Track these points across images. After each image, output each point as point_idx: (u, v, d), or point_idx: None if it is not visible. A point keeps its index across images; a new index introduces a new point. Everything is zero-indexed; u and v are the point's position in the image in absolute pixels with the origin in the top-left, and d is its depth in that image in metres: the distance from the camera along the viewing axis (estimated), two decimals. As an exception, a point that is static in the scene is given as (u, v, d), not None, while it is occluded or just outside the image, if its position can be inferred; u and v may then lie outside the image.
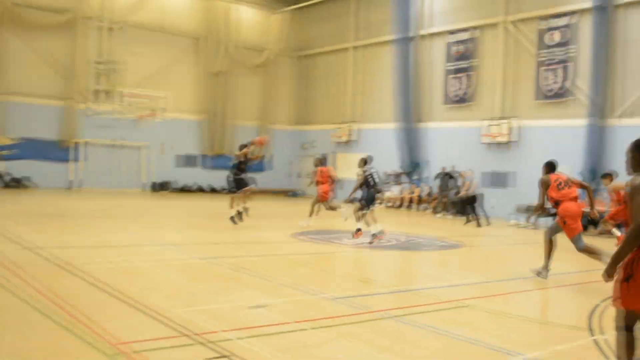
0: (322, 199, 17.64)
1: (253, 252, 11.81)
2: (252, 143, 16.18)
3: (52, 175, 27.49)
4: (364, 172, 13.97)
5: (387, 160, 28.99)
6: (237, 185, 15.86)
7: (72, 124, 27.93)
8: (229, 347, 5.48)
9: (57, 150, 27.76)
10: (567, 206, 9.51)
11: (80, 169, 28.09)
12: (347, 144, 31.69)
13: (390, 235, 15.33)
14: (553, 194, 9.63)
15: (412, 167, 27.80)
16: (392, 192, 27.88)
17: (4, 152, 26.27)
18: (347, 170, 31.72)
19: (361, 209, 13.92)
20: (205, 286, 8.23)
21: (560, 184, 9.64)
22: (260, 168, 33.44)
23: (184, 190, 30.82)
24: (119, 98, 28.03)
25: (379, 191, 14.25)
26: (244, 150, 15.95)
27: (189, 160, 31.34)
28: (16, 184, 26.22)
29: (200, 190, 31.59)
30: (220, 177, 32.34)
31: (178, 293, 7.75)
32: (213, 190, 31.79)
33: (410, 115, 27.90)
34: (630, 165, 4.60)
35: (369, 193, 13.94)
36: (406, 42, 28.04)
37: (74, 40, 27.94)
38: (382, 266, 11.63)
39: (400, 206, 27.17)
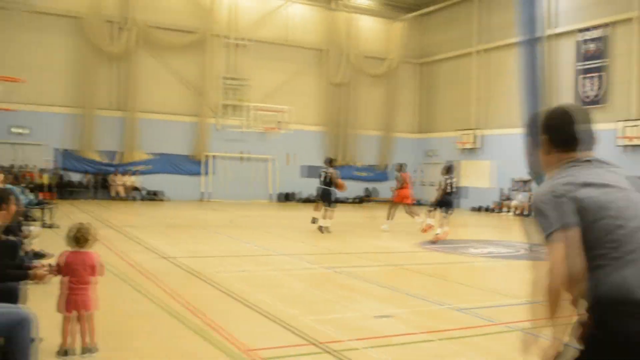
0: (405, 202, 18.60)
1: (377, 262, 11.78)
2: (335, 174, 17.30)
3: (184, 188, 28.87)
4: (445, 180, 15.28)
5: (514, 166, 28.00)
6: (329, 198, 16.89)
7: (202, 139, 29.24)
8: (355, 356, 5.47)
9: (189, 164, 29.15)
10: None
11: (210, 181, 29.31)
12: (471, 151, 30.96)
13: (519, 245, 14.76)
14: None
15: (542, 173, 26.65)
16: (519, 199, 26.89)
17: (141, 167, 27.93)
18: (471, 178, 31.02)
19: (434, 208, 15.50)
20: (331, 295, 8.29)
21: None
22: (382, 178, 33.42)
23: (309, 200, 31.34)
24: (246, 112, 29.05)
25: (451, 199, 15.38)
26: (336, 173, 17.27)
27: (313, 171, 31.82)
28: (153, 197, 27.76)
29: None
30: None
31: (304, 302, 7.85)
32: (337, 201, 32.02)
33: (538, 119, 26.77)
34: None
35: (445, 198, 15.19)
36: (532, 44, 26.90)
37: (203, 58, 29.27)
38: (510, 276, 11.21)
39: (529, 214, 26.15)
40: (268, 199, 30.41)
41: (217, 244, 13.87)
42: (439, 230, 14.82)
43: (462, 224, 21.35)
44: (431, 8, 32.87)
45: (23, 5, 9.70)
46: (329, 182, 16.91)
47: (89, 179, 26.88)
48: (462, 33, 31.86)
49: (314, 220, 16.71)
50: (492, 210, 28.72)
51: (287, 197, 30.90)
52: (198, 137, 29.20)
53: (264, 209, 25.97)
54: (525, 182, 27.33)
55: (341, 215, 23.50)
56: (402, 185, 18.52)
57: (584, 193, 2.53)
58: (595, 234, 2.47)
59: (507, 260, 12.59)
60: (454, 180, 15.46)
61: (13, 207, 5.51)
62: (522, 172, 27.24)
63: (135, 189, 27.40)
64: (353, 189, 33.02)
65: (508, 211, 27.37)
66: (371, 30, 33.75)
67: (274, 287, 8.77)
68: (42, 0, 25.17)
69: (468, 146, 30.94)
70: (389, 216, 18.07)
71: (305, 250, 13.18)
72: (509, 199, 28.10)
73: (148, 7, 28.12)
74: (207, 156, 29.28)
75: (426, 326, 6.72)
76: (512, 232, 19.24)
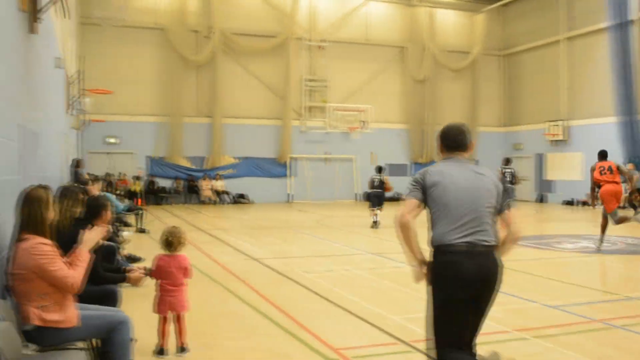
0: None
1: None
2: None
3: (270, 191, 29.32)
4: (502, 169, 16.77)
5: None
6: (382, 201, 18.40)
7: (286, 141, 29.63)
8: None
9: (274, 166, 29.60)
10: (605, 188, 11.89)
11: (295, 183, 29.63)
12: (560, 143, 29.89)
13: (615, 239, 14.14)
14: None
15: (636, 163, 25.38)
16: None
17: (228, 171, 28.60)
18: (560, 171, 29.92)
19: None
20: (419, 294, 8.20)
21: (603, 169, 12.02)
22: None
23: (394, 199, 31.14)
24: (329, 113, 29.23)
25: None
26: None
27: (398, 169, 31.62)
28: (240, 200, 28.35)
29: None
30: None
31: (393, 301, 7.82)
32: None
33: (633, 107, 25.60)
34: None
35: None
36: (624, 28, 25.81)
37: (285, 61, 29.65)
38: (605, 272, 10.76)
39: (624, 206, 24.86)
40: (353, 198, 30.43)
41: (304, 244, 14.02)
42: None
43: (554, 219, 20.69)
44: (514, -3, 32.04)
45: (114, 21, 10.15)
46: (381, 186, 18.41)
47: (179, 185, 27.74)
48: (548, 21, 30.79)
49: (375, 225, 17.85)
50: (585, 204, 27.62)
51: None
52: (282, 139, 29.60)
53: (349, 208, 26.02)
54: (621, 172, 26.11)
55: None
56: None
57: (429, 177, 4.08)
58: (431, 201, 4.06)
59: (602, 255, 12.08)
60: (513, 170, 17.53)
61: (110, 214, 5.78)
62: (616, 162, 26.14)
63: (224, 192, 28.07)
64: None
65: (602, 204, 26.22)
66: (452, 24, 33.22)
67: (361, 286, 8.78)
68: (131, 15, 26.21)
69: (557, 138, 29.87)
70: None
71: (391, 248, 13.10)
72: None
73: (230, 15, 28.79)
74: (292, 158, 29.64)
75: (517, 324, 6.55)
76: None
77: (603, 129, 26.99)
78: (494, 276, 4.10)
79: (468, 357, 4.18)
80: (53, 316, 3.99)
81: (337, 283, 8.91)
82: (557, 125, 29.85)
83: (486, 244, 3.96)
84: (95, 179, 16.27)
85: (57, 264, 4.01)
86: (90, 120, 23.99)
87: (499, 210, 4.06)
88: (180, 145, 27.92)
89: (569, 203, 28.82)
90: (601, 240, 12.43)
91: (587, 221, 20.87)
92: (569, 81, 29.69)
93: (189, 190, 27.83)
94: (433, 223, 4.09)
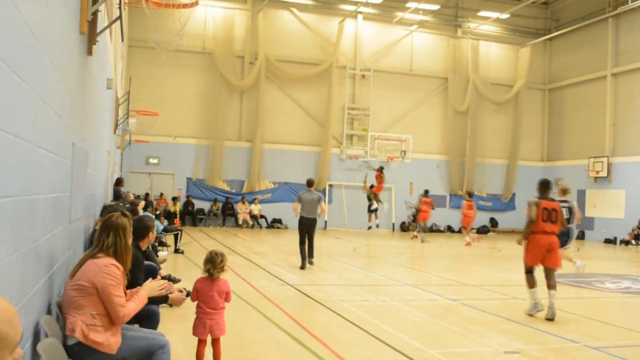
0: (422, 220, 24.61)
1: (503, 294, 11.38)
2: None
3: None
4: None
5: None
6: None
7: (325, 168, 29.73)
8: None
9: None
10: None
11: (332, 210, 29.60)
12: (603, 180, 29.33)
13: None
14: None
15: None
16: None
17: (266, 196, 28.77)
18: (602, 208, 29.31)
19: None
20: (457, 328, 8.11)
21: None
22: (504, 207, 32.45)
23: (431, 230, 30.91)
24: (370, 141, 29.29)
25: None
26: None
27: (436, 200, 31.39)
28: (277, 224, 28.43)
29: (450, 229, 31.41)
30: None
31: (431, 334, 7.74)
32: (461, 231, 31.43)
33: None
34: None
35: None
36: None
37: (327, 89, 29.89)
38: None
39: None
40: (390, 228, 30.28)
41: (340, 272, 13.97)
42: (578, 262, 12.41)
43: (595, 257, 20.27)
44: (559, 32, 31.85)
45: (170, 45, 10.37)
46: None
47: (216, 207, 27.98)
48: (594, 56, 30.49)
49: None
50: (627, 243, 27.02)
51: (402, 227, 30.62)
52: (320, 166, 29.71)
53: (386, 238, 25.88)
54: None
55: (462, 244, 22.99)
56: (423, 208, 24.01)
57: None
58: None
59: (646, 296, 11.78)
60: (566, 205, 13.11)
61: (153, 235, 5.88)
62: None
63: (261, 216, 28.22)
64: (477, 218, 32.25)
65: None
66: (496, 56, 33.13)
67: (398, 317, 8.70)
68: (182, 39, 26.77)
69: (600, 174, 29.33)
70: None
71: (428, 280, 12.99)
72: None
73: (277, 42, 29.28)
74: (330, 185, 29.71)
75: (559, 364, 6.42)
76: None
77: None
78: None
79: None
80: (96, 337, 4.06)
81: (373, 313, 8.85)
82: (600, 161, 29.36)
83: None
84: (138, 198, 16.54)
85: (120, 291, 4.13)
86: (133, 140, 24.48)
87: None
88: (219, 168, 28.25)
89: (610, 241, 28.21)
90: None
91: (630, 261, 20.40)
92: (614, 117, 29.25)
93: (225, 213, 28.05)
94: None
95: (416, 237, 25.21)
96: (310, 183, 14.78)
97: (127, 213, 4.56)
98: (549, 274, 9.36)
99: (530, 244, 9.50)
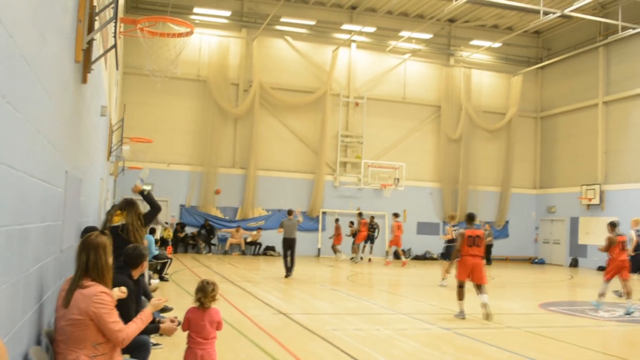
0: (359, 241, 26.39)
1: (496, 324, 11.33)
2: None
3: (300, 244, 29.07)
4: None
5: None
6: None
7: (319, 195, 29.72)
8: None
9: (305, 220, 29.59)
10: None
11: (326, 237, 29.47)
12: (595, 207, 29.43)
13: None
14: None
15: None
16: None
17: (259, 223, 28.67)
18: (595, 236, 29.35)
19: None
20: (450, 358, 8.06)
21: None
22: (497, 235, 32.47)
23: (424, 257, 30.84)
24: (363, 169, 29.34)
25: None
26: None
27: (429, 228, 31.44)
28: (270, 252, 28.28)
29: (444, 257, 31.31)
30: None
31: (423, 363, 7.68)
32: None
33: None
34: None
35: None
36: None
37: (321, 116, 30.00)
38: (646, 343, 10.44)
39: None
40: (384, 256, 30.20)
41: (333, 300, 13.90)
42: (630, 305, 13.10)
43: (588, 284, 20.22)
44: (551, 60, 32.18)
45: (165, 73, 10.43)
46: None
47: (209, 234, 27.83)
48: (585, 85, 30.79)
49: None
50: (621, 271, 26.96)
51: (396, 255, 30.50)
52: (314, 193, 29.71)
53: (379, 266, 25.79)
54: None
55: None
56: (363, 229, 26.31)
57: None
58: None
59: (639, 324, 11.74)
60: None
61: (146, 264, 5.85)
62: None
63: (255, 244, 28.12)
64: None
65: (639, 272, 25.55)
66: (489, 84, 33.42)
67: (391, 347, 8.65)
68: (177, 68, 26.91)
69: (592, 202, 29.43)
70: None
71: (421, 309, 12.94)
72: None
73: (271, 70, 29.49)
74: (324, 212, 29.68)
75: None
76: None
77: (639, 194, 26.62)
78: None
79: None
80: None
81: (367, 343, 8.79)
82: (592, 189, 29.49)
83: None
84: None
85: (115, 317, 4.11)
86: (127, 167, 24.45)
87: None
88: (213, 195, 28.20)
89: (603, 269, 28.13)
90: None
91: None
92: (605, 145, 29.45)
93: (219, 240, 27.91)
94: None
95: (389, 262, 26.47)
96: (290, 212, 19.33)
97: (106, 232, 4.52)
98: (478, 287, 11.63)
99: (460, 264, 11.81)
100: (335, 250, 27.79)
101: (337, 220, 28.14)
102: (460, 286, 11.65)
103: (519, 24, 31.17)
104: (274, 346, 8.28)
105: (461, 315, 11.44)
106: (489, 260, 27.82)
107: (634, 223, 15.98)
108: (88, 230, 7.59)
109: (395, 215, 26.17)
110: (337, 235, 27.72)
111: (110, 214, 7.83)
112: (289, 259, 18.52)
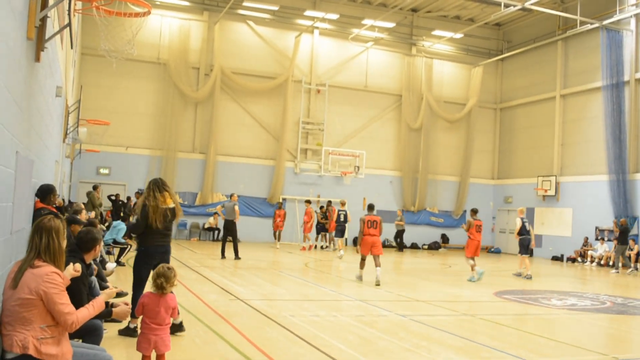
0: (307, 231, 26.42)
1: (452, 311, 11.49)
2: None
3: (259, 230, 29.21)
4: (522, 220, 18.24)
5: (595, 214, 27.10)
6: None
7: (279, 182, 29.66)
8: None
9: (265, 206, 29.57)
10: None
11: (285, 224, 29.36)
12: (550, 198, 30.05)
13: (604, 298, 14.12)
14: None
15: (630, 222, 25.48)
16: (604, 249, 25.79)
17: (218, 209, 28.44)
18: (550, 226, 30.01)
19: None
20: (406, 344, 8.13)
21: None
22: (455, 224, 32.88)
23: (385, 245, 31.00)
24: (324, 156, 29.34)
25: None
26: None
27: (389, 216, 31.61)
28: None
29: (414, 246, 31.80)
30: (421, 233, 32.19)
31: (380, 349, 7.74)
32: (413, 246, 31.76)
33: (624, 166, 25.88)
34: None
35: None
36: (618, 88, 26.28)
37: (282, 103, 29.90)
38: (593, 330, 10.70)
39: (613, 265, 24.87)
40: (343, 243, 30.26)
41: (291, 287, 13.91)
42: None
43: (542, 274, 20.64)
44: (511, 53, 32.62)
45: (121, 54, 10.16)
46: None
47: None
48: (544, 78, 31.31)
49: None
50: (574, 260, 27.66)
51: (355, 242, 30.64)
52: (274, 180, 29.63)
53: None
54: (611, 230, 26.22)
55: (416, 261, 23.17)
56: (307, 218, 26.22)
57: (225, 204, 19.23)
58: None
59: (590, 313, 12.04)
60: (526, 221, 18.59)
61: (99, 249, 5.74)
62: (606, 220, 26.32)
63: (215, 229, 27.95)
64: (429, 234, 32.56)
65: (591, 262, 26.25)
66: (450, 75, 33.71)
67: (348, 333, 8.69)
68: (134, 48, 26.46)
69: (548, 193, 30.02)
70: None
71: (378, 296, 13.03)
72: (589, 247, 27.05)
73: (233, 54, 29.24)
74: (284, 199, 29.62)
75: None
76: (595, 284, 18.47)
77: (594, 186, 27.28)
78: None
79: None
80: (50, 350, 3.95)
81: (324, 329, 8.82)
82: (548, 180, 30.08)
83: None
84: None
85: (65, 298, 4.03)
86: (84, 150, 23.99)
87: None
88: (172, 180, 27.83)
89: (558, 259, 28.84)
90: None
91: (576, 278, 20.87)
92: (562, 137, 30.03)
93: (178, 225, 27.66)
94: None
95: (304, 248, 26.36)
96: (231, 195, 20.29)
97: (60, 215, 4.47)
98: (375, 259, 14.91)
99: (363, 242, 14.94)
100: (319, 240, 27.50)
101: (308, 202, 26.92)
102: (363, 259, 15.22)
103: (480, 15, 31.48)
104: (230, 331, 8.24)
105: (359, 279, 15.21)
106: (400, 246, 29.51)
107: (520, 212, 18.72)
108: (44, 188, 7.42)
109: (308, 202, 26.74)
110: (308, 222, 26.51)
111: (154, 197, 7.90)
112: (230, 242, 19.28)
